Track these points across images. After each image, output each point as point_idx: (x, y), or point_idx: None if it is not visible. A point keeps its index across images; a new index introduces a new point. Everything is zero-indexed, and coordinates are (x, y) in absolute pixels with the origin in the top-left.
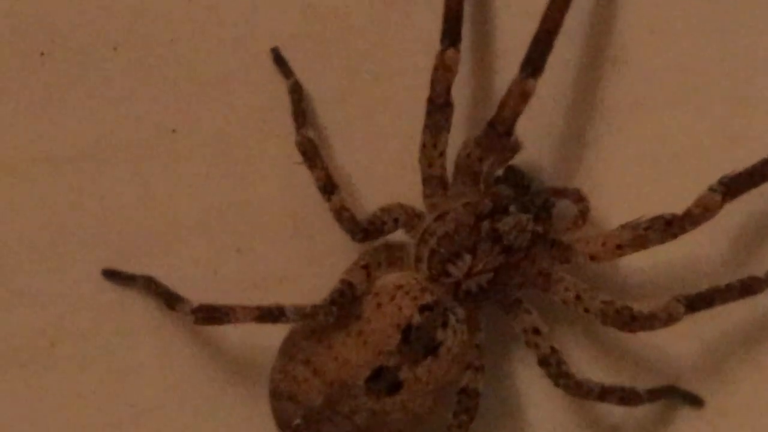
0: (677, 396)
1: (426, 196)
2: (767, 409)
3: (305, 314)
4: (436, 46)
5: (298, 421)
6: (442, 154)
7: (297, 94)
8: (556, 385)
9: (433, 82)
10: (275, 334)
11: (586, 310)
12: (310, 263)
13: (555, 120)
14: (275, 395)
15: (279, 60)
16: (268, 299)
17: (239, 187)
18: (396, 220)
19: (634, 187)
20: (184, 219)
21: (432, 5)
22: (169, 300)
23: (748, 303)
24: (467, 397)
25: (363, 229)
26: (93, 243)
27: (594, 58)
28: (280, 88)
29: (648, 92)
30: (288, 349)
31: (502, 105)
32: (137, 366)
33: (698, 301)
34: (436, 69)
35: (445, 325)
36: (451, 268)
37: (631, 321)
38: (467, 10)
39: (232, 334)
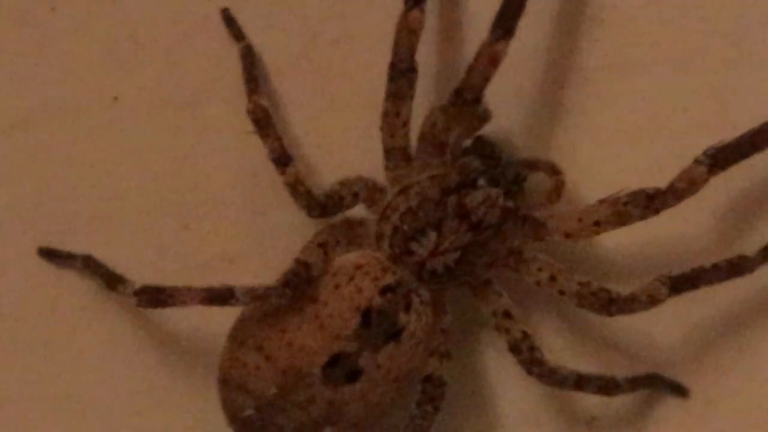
0: (660, 385)
1: (388, 169)
2: (757, 398)
3: (257, 296)
4: (400, 6)
5: (249, 411)
6: (405, 123)
7: (249, 59)
8: (529, 372)
9: (396, 46)
10: (225, 318)
11: (561, 292)
12: (263, 241)
13: (528, 86)
14: (224, 384)
15: (230, 21)
16: (217, 280)
17: (186, 158)
18: (356, 195)
19: (613, 158)
20: (127, 193)
21: None
22: (110, 281)
23: (736, 284)
24: (432, 386)
25: (320, 205)
26: (28, 219)
27: (570, 17)
28: (230, 51)
29: (629, 54)
30: (238, 334)
31: (471, 70)
32: (75, 352)
33: (683, 282)
34: (399, 31)
35: (408, 307)
36: (415, 247)
37: (610, 304)
38: None
39: (178, 317)
